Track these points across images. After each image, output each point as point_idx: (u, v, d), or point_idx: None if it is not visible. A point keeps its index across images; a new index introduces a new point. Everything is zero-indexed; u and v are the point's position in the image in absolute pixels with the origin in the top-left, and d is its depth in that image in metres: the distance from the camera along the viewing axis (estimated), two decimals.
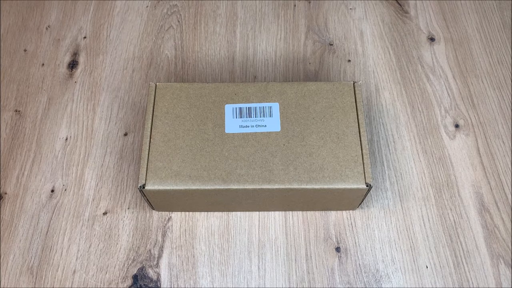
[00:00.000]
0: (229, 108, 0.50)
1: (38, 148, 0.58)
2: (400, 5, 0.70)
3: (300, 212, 0.54)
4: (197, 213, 0.54)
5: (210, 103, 0.51)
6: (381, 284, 0.50)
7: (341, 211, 0.54)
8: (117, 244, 0.53)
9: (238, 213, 0.54)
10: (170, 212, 0.54)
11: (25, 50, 0.66)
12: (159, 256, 0.52)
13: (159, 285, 0.50)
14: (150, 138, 0.49)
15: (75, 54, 0.66)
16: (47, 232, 0.53)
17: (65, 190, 0.56)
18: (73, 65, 0.65)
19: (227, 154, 0.48)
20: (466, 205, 0.54)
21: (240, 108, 0.50)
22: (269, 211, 0.54)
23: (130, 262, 0.52)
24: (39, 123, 0.60)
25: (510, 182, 0.56)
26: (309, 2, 0.70)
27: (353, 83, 0.51)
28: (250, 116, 0.50)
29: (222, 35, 0.67)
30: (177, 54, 0.66)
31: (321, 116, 0.50)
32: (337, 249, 0.52)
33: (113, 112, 0.61)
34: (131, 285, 0.50)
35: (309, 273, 0.51)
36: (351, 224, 0.53)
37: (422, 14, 0.69)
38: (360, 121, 0.49)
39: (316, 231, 0.53)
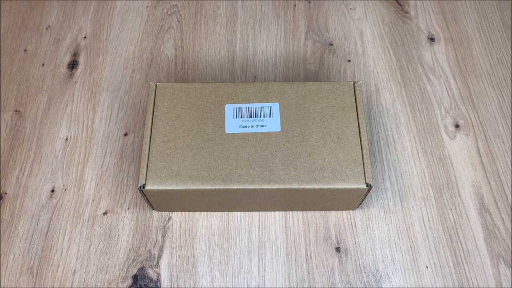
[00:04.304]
0: (229, 108, 0.50)
1: (38, 148, 0.58)
2: (400, 5, 0.70)
3: (300, 212, 0.54)
4: (197, 213, 0.54)
5: (210, 103, 0.51)
6: (381, 284, 0.50)
7: (341, 211, 0.54)
8: (117, 244, 0.53)
9: (238, 213, 0.54)
10: (170, 212, 0.54)
11: (25, 50, 0.66)
12: (159, 256, 0.52)
13: (159, 285, 0.50)
14: (150, 138, 0.49)
15: (75, 54, 0.66)
16: (47, 232, 0.53)
17: (65, 190, 0.56)
18: (73, 65, 0.65)
19: (227, 154, 0.48)
20: (466, 205, 0.54)
21: (240, 108, 0.50)
22: (269, 211, 0.54)
23: (130, 262, 0.52)
24: (39, 123, 0.60)
25: (510, 182, 0.56)
26: (309, 2, 0.70)
27: (353, 83, 0.51)
28: (250, 116, 0.50)
29: (222, 35, 0.67)
30: (177, 54, 0.66)
31: (321, 116, 0.50)
32: (337, 249, 0.52)
33: (113, 112, 0.61)
34: (131, 285, 0.50)
35: (309, 273, 0.51)
36: (351, 224, 0.53)
37: (422, 14, 0.69)
38: (360, 121, 0.49)
39: (316, 231, 0.53)
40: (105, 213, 0.54)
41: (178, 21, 0.69)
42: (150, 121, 0.49)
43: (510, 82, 0.63)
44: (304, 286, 0.50)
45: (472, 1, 0.70)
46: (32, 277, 0.51)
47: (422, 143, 0.58)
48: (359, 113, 0.50)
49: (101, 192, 0.56)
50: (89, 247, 0.52)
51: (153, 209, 0.54)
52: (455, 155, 0.57)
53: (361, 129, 0.49)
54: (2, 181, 0.56)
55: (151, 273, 0.51)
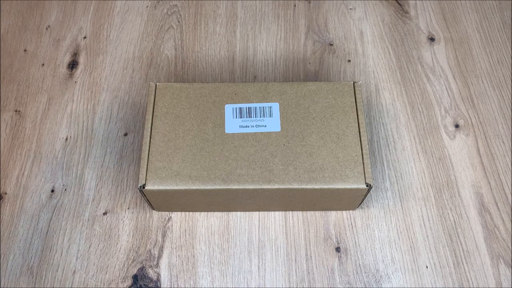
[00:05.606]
0: (229, 108, 0.50)
1: (38, 148, 0.58)
2: (400, 5, 0.70)
3: (300, 212, 0.54)
4: (197, 213, 0.54)
5: (210, 103, 0.51)
6: (381, 284, 0.50)
7: (341, 211, 0.54)
8: (117, 244, 0.53)
9: (238, 213, 0.54)
10: (170, 212, 0.54)
11: (25, 50, 0.66)
12: (159, 256, 0.52)
13: (159, 285, 0.50)
14: (150, 138, 0.49)
15: (75, 54, 0.66)
16: (47, 232, 0.53)
17: (65, 190, 0.56)
18: (73, 65, 0.65)
19: (227, 154, 0.48)
20: (466, 205, 0.54)
21: (240, 108, 0.50)
22: (269, 211, 0.54)
23: (130, 262, 0.52)
24: (39, 123, 0.60)
25: (510, 182, 0.56)
26: (309, 2, 0.70)
27: (353, 83, 0.51)
28: (250, 116, 0.50)
29: (222, 35, 0.67)
30: (177, 54, 0.66)
31: (321, 116, 0.50)
32: (337, 249, 0.52)
33: (113, 112, 0.61)
34: (131, 285, 0.50)
35: (309, 273, 0.51)
36: (351, 224, 0.53)
37: (422, 14, 0.69)
38: (360, 121, 0.49)
39: (316, 231, 0.53)
40: (105, 213, 0.54)
41: (178, 21, 0.69)
42: (150, 121, 0.50)
43: (510, 82, 0.63)
44: (304, 286, 0.50)
45: (472, 1, 0.70)
46: (32, 277, 0.51)
47: (422, 143, 0.58)
48: (359, 113, 0.50)
49: (101, 192, 0.56)
50: (89, 247, 0.52)
51: (153, 209, 0.54)
52: (455, 155, 0.57)
53: (361, 129, 0.49)
54: (2, 181, 0.56)
55: (151, 273, 0.51)
